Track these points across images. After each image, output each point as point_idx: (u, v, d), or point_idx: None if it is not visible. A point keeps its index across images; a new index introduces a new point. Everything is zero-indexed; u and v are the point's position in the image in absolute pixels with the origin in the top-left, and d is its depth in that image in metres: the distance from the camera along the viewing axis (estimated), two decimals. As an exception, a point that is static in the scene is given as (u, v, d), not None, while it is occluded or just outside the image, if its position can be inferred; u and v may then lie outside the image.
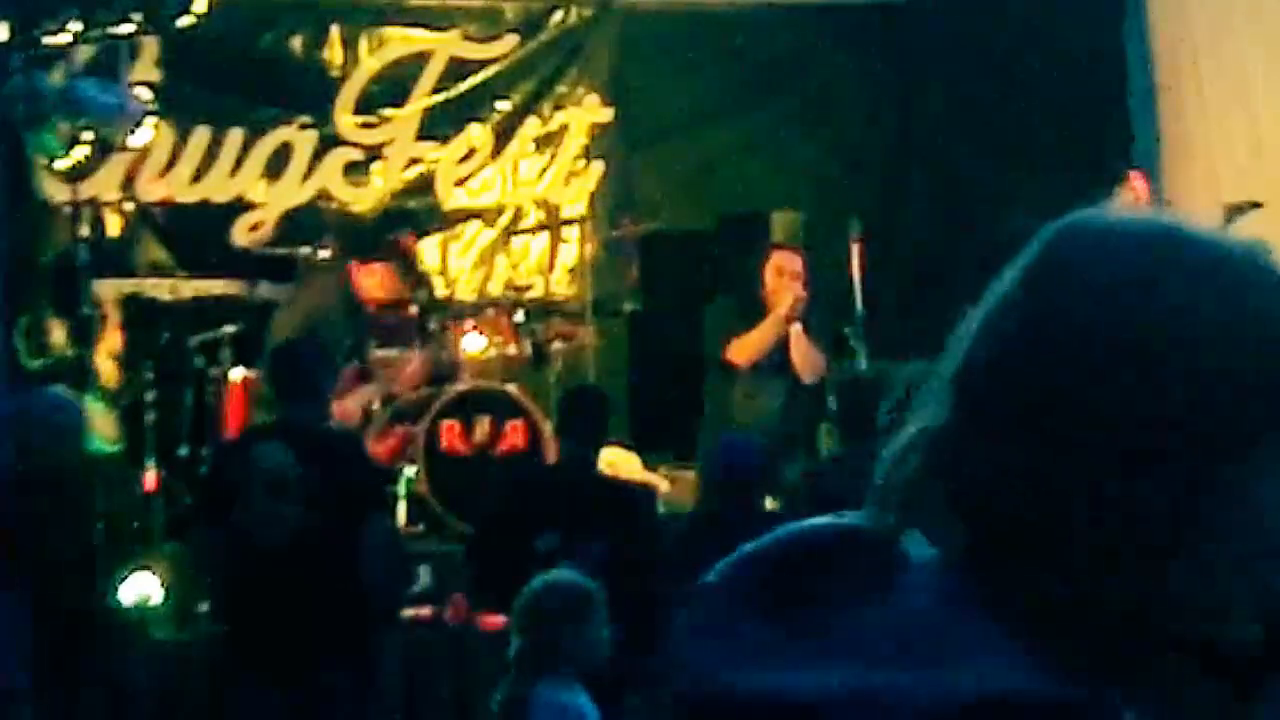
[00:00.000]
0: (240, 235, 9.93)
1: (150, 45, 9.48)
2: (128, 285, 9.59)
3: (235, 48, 9.96)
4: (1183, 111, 9.96)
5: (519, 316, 9.24)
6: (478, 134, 10.28)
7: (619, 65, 10.42)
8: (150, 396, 8.67)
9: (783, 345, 8.58)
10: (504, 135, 10.32)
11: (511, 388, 8.83)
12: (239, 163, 9.97)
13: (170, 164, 9.87)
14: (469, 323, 9.11)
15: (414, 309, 8.99)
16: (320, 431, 6.91)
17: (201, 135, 9.92)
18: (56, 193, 8.96)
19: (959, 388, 1.13)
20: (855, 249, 9.05)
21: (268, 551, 6.37)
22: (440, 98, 10.22)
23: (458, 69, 10.24)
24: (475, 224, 10.34)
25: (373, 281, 8.90)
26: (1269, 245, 1.14)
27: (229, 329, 8.81)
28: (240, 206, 9.99)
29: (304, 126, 10.07)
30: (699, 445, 8.54)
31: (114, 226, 9.81)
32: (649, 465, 8.85)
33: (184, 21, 7.91)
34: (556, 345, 9.27)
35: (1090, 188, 8.78)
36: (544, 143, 10.38)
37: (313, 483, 6.36)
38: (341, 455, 6.83)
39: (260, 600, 6.42)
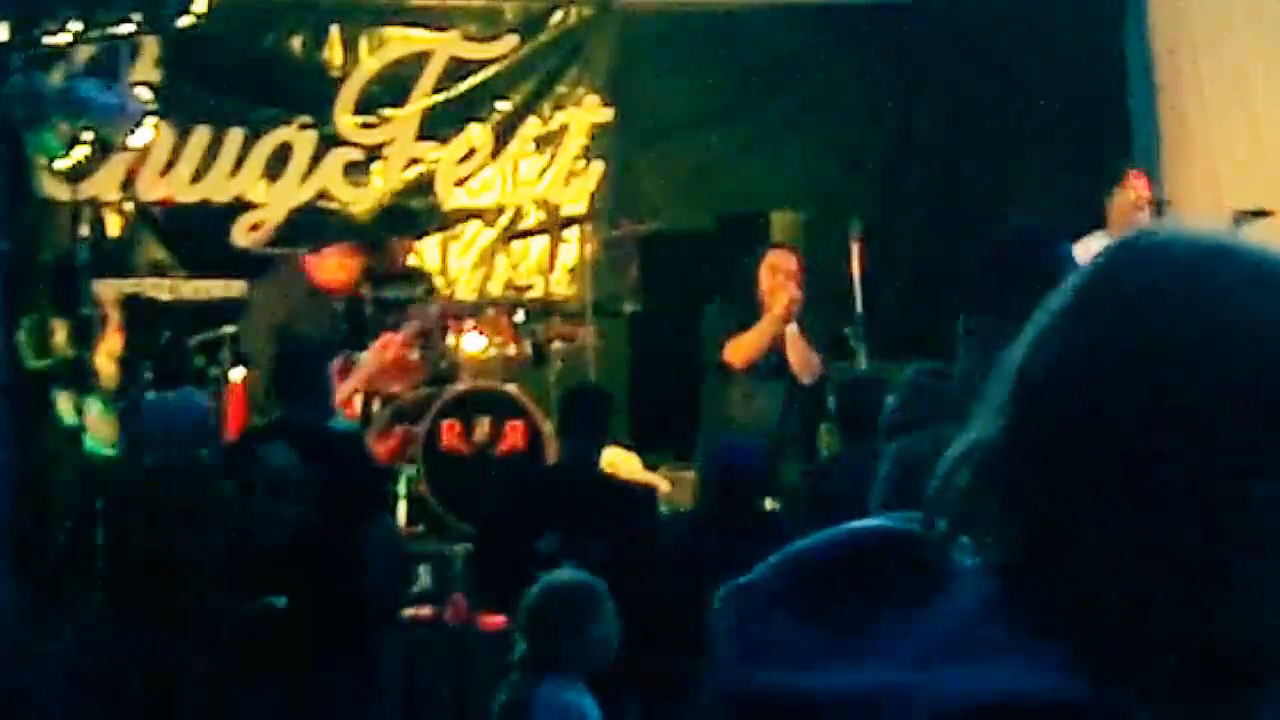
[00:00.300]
0: (240, 235, 9.93)
1: (150, 45, 9.48)
2: (128, 285, 9.58)
3: (235, 48, 9.96)
4: (1183, 111, 9.96)
5: (519, 316, 9.24)
6: (478, 134, 10.28)
7: (619, 65, 10.42)
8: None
9: (780, 346, 8.57)
10: (504, 135, 10.32)
11: (511, 388, 8.83)
12: (239, 163, 9.98)
13: (170, 164, 9.87)
14: (469, 323, 9.11)
15: (435, 308, 9.01)
16: (321, 431, 6.92)
17: (201, 135, 9.92)
18: (56, 193, 8.95)
19: (1013, 401, 1.14)
20: (855, 249, 9.05)
21: (268, 551, 6.37)
22: (440, 98, 10.22)
23: (458, 69, 10.24)
24: (475, 224, 10.34)
25: (329, 268, 8.87)
26: None
27: (229, 329, 8.81)
28: (240, 206, 9.99)
29: (304, 126, 10.07)
30: (698, 446, 8.53)
31: (114, 226, 9.82)
32: (649, 465, 8.85)
33: (184, 21, 7.90)
34: (556, 345, 9.28)
35: (1090, 188, 8.86)
36: (544, 143, 10.38)
37: (314, 483, 6.36)
38: (342, 455, 6.84)
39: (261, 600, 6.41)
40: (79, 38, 7.67)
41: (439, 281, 10.01)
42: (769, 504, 7.33)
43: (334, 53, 10.17)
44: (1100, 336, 1.12)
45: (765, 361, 8.55)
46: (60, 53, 8.15)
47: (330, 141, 10.09)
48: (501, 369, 9.06)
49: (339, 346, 8.61)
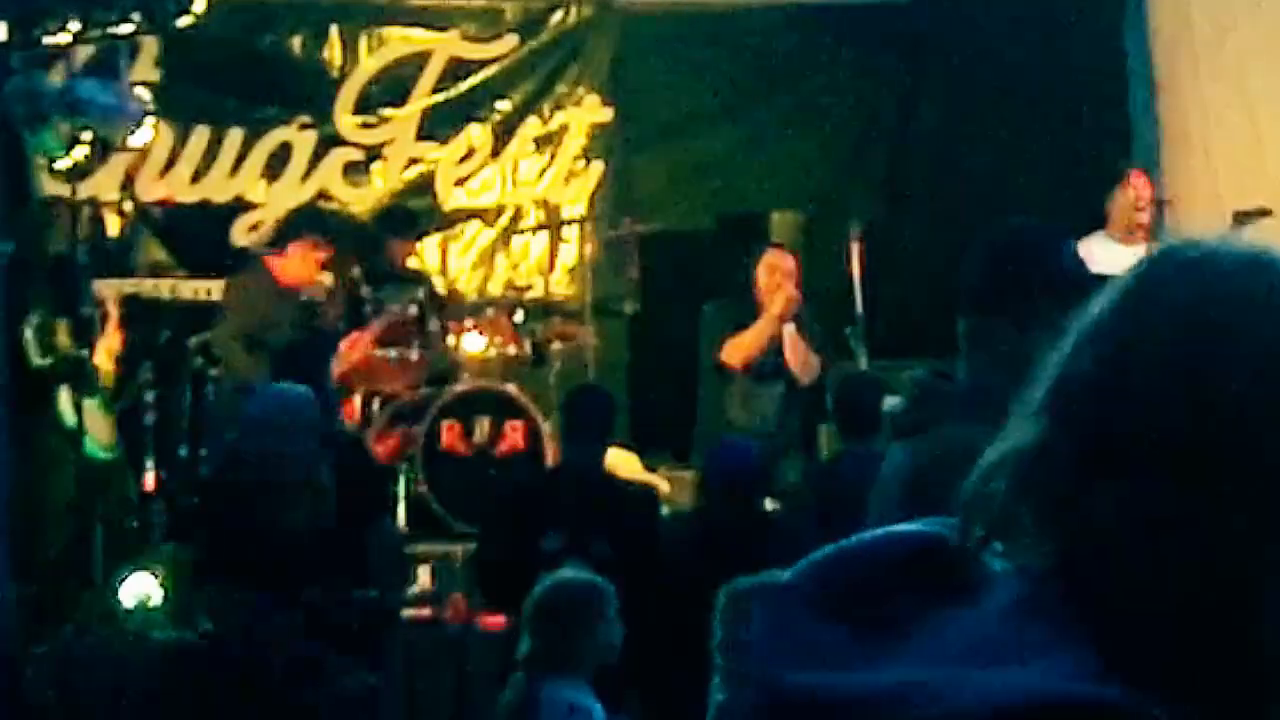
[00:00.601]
0: (240, 235, 9.94)
1: (150, 45, 9.49)
2: (128, 285, 9.59)
3: (235, 48, 9.97)
4: (1183, 111, 9.96)
5: (519, 316, 9.24)
6: (478, 134, 10.28)
7: (619, 65, 10.42)
8: (150, 396, 8.67)
9: (779, 346, 8.57)
10: (504, 135, 10.32)
11: (511, 388, 8.83)
12: (239, 163, 9.98)
13: (170, 164, 9.88)
14: (469, 323, 9.11)
15: (414, 309, 8.99)
16: (321, 432, 6.90)
17: (201, 135, 9.93)
18: (56, 193, 8.96)
19: (1051, 409, 1.15)
20: (855, 249, 9.05)
21: (269, 551, 6.36)
22: (440, 98, 10.22)
23: (458, 69, 10.25)
24: (475, 224, 10.34)
25: (293, 265, 8.87)
26: None
27: (205, 335, 8.82)
28: (240, 206, 9.99)
29: (304, 126, 10.07)
30: (697, 446, 8.53)
31: (114, 226, 9.83)
32: (648, 465, 8.85)
33: (184, 21, 7.90)
34: (556, 345, 9.28)
35: (1090, 188, 8.86)
36: (544, 143, 10.38)
37: (315, 483, 6.35)
38: (343, 455, 6.83)
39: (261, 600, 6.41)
40: (79, 38, 7.66)
41: (439, 281, 10.00)
42: (769, 504, 7.32)
43: (334, 53, 10.17)
44: (1142, 347, 1.12)
45: (764, 362, 8.54)
46: (60, 53, 8.14)
47: (330, 141, 10.09)
48: (501, 369, 9.06)
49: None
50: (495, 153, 10.31)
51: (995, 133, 10.38)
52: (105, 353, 8.38)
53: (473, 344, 9.05)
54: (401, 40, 10.24)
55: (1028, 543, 1.14)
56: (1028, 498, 1.14)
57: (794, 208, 9.79)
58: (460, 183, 10.29)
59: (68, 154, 7.86)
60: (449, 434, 8.64)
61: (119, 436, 8.34)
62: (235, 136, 9.97)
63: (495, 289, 10.19)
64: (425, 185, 10.24)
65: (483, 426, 8.67)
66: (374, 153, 10.17)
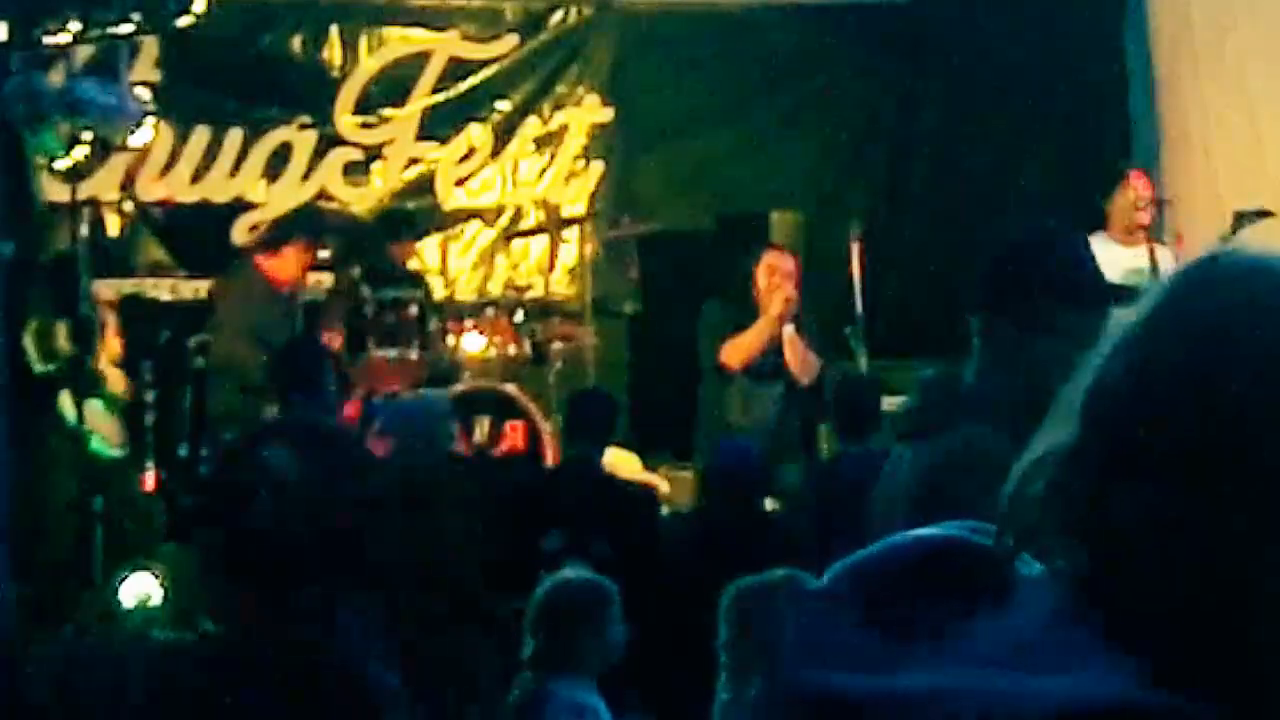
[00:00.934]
0: (240, 235, 9.93)
1: (150, 45, 9.49)
2: (128, 285, 9.60)
3: (235, 48, 9.97)
4: (1183, 111, 9.96)
5: (519, 316, 9.24)
6: (478, 134, 10.29)
7: (619, 65, 10.42)
8: (150, 396, 8.67)
9: (778, 347, 8.56)
10: (504, 135, 10.32)
11: (511, 388, 8.83)
12: (239, 163, 9.98)
13: (170, 164, 9.88)
14: (469, 323, 9.11)
15: (414, 309, 9.00)
16: (322, 431, 6.91)
17: (201, 135, 9.93)
18: (56, 193, 8.95)
19: (1087, 413, 1.16)
20: (855, 249, 9.05)
21: (270, 551, 6.36)
22: (440, 98, 10.22)
23: (458, 69, 10.25)
24: (475, 224, 10.35)
25: (286, 265, 8.88)
26: None
27: (202, 336, 8.82)
28: (240, 206, 9.99)
29: (304, 126, 10.07)
30: (697, 446, 8.53)
31: (114, 226, 9.83)
32: (649, 465, 8.85)
33: (184, 21, 7.89)
34: (556, 345, 9.28)
35: (1090, 188, 8.86)
36: (544, 143, 10.38)
37: (315, 483, 6.35)
38: (344, 455, 6.83)
39: (262, 600, 6.41)
40: (79, 38, 7.66)
41: (439, 281, 10.01)
42: (769, 504, 7.32)
43: (334, 53, 10.17)
44: (1161, 355, 1.13)
45: (763, 362, 8.54)
46: (60, 53, 8.14)
47: (330, 141, 10.09)
48: (501, 369, 9.06)
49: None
50: (495, 153, 10.31)
51: (995, 133, 10.38)
52: (105, 353, 8.37)
53: (473, 344, 9.05)
54: (401, 40, 10.25)
55: (1060, 546, 1.14)
56: (1063, 502, 1.15)
57: (794, 208, 9.79)
58: (460, 183, 10.29)
59: (68, 154, 7.86)
60: (449, 434, 8.63)
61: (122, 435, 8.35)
62: (235, 136, 9.97)
63: (495, 289, 10.19)
64: (425, 185, 10.24)
65: (482, 427, 8.67)
66: (374, 153, 10.17)
